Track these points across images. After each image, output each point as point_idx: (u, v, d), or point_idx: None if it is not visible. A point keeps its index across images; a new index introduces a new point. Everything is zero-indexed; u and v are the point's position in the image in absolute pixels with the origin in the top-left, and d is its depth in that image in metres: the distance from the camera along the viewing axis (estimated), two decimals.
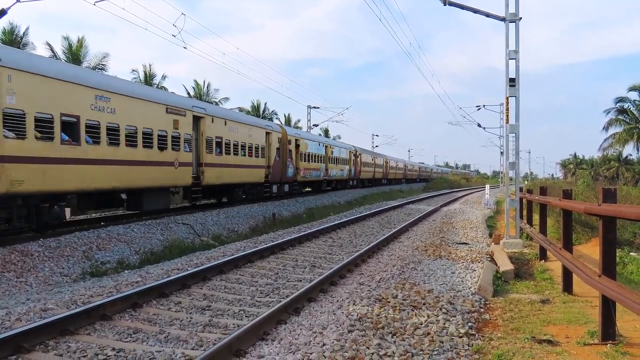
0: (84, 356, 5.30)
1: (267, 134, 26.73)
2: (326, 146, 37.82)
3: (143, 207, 16.54)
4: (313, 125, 50.39)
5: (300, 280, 9.10)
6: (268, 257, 11.32)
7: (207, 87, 49.67)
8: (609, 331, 5.62)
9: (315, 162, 34.68)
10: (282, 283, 8.88)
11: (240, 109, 53.41)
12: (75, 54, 35.19)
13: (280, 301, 7.11)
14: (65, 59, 34.64)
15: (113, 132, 14.44)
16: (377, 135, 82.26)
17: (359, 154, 48.50)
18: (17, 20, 33.70)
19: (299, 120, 65.73)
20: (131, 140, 15.36)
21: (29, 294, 9.01)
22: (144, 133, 15.81)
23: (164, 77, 44.05)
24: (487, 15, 14.20)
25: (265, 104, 59.82)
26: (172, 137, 17.46)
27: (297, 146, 30.97)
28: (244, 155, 23.50)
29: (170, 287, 8.02)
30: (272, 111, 60.67)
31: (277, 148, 27.84)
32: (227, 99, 51.71)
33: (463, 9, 14.52)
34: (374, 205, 29.96)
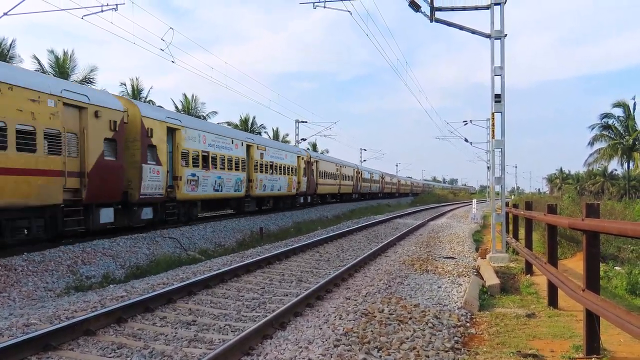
0: None
1: (298, 157, 33.73)
2: (340, 166, 44.68)
3: None
4: (301, 139, 50.51)
5: (287, 295, 9.07)
6: (255, 272, 11.28)
7: (195, 101, 49.66)
8: (593, 345, 5.65)
9: (330, 178, 41.57)
10: (269, 297, 8.85)
11: (229, 123, 53.39)
12: (62, 67, 35.10)
13: (267, 316, 7.08)
14: (53, 72, 34.52)
15: None
16: (365, 150, 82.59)
17: (361, 172, 53.91)
18: (4, 33, 33.38)
19: (287, 134, 65.87)
20: None
21: (12, 309, 8.89)
22: None
23: (149, 91, 44.09)
24: (473, 32, 14.36)
25: (254, 117, 59.80)
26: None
27: (317, 166, 37.53)
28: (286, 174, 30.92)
29: (156, 301, 7.96)
30: (261, 125, 60.69)
31: (304, 168, 34.19)
32: (215, 112, 51.79)
33: (449, 26, 14.68)
34: (361, 219, 29.98)
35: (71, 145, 13.50)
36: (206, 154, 20.71)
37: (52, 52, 35.79)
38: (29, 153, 12.01)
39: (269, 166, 28.18)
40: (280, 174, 29.95)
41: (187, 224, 19.80)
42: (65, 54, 35.92)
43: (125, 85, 43.26)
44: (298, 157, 33.48)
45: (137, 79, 43.83)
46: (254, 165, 25.95)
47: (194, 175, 19.61)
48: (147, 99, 42.70)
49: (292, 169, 31.95)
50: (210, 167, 20.98)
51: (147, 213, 17.17)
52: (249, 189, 25.39)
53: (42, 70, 34.08)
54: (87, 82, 35.48)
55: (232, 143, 23.48)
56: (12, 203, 11.67)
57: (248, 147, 25.46)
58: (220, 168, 22.06)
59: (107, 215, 15.07)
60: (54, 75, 32.47)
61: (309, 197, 36.48)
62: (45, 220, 12.96)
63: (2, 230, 11.70)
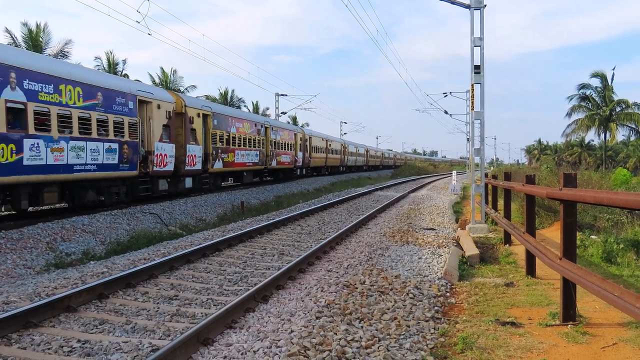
0: (49, 348, 5.22)
1: (295, 134, 37.95)
2: (328, 141, 48.64)
3: None
4: (281, 112, 50.22)
5: (269, 269, 9.11)
6: (236, 246, 11.29)
7: (173, 75, 48.97)
8: (569, 312, 5.78)
9: (321, 152, 46.04)
10: (251, 271, 8.87)
11: (207, 97, 52.82)
12: (35, 40, 34.28)
13: (249, 289, 7.11)
14: (26, 46, 33.71)
15: None
16: (345, 123, 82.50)
17: (347, 146, 57.26)
18: None
19: (267, 108, 65.43)
20: None
21: None
22: None
23: (124, 62, 43.30)
24: (452, 2, 14.29)
25: (233, 91, 59.25)
26: None
27: (310, 141, 41.87)
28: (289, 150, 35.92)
29: (137, 277, 7.94)
30: (240, 99, 60.22)
31: (299, 144, 38.77)
32: (194, 86, 51.17)
33: None
34: (342, 192, 30.08)
35: (137, 130, 17.26)
36: (230, 135, 25.27)
37: (25, 24, 34.91)
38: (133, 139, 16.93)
39: (278, 144, 33.48)
40: (286, 149, 35.49)
41: (213, 192, 23.79)
42: (38, 26, 35.06)
43: (100, 59, 42.48)
44: (295, 134, 38.26)
45: (111, 53, 43.01)
46: (271, 143, 31.59)
47: (221, 152, 24.19)
48: (123, 73, 41.97)
49: (292, 145, 37.05)
50: (234, 145, 25.76)
51: (188, 183, 21.47)
52: (265, 163, 30.74)
53: (15, 43, 33.26)
54: (62, 56, 34.72)
55: (253, 126, 28.69)
56: (110, 175, 16.10)
57: (265, 128, 31.02)
58: (243, 146, 26.94)
59: (163, 184, 19.53)
60: (26, 48, 31.72)
61: (304, 169, 41.33)
62: (127, 187, 17.50)
63: (103, 194, 16.38)
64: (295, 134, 38.26)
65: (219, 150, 23.93)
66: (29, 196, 13.23)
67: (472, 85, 13.90)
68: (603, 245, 9.85)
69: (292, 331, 5.50)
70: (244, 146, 27.09)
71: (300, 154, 39.08)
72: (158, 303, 6.93)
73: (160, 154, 18.58)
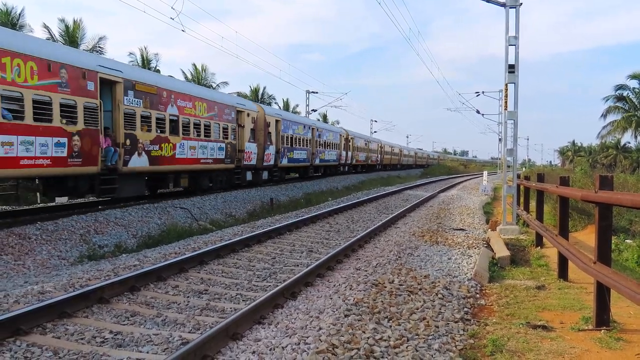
0: (82, 338, 5.33)
1: (340, 135, 43.23)
2: (368, 141, 53.94)
3: None
4: (312, 110, 50.28)
5: (298, 265, 9.14)
6: (265, 242, 11.35)
7: (204, 71, 49.37)
8: (603, 317, 5.66)
9: (361, 152, 50.70)
10: (280, 268, 8.92)
11: (239, 93, 53.17)
12: (72, 36, 34.94)
13: (277, 285, 7.15)
14: (63, 41, 34.39)
15: None
16: (375, 121, 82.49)
17: (383, 145, 61.62)
18: (13, 2, 33.25)
19: (297, 105, 65.55)
20: None
21: (27, 277, 9.04)
22: None
23: (157, 57, 43.86)
24: (488, 0, 14.11)
25: (264, 88, 59.49)
26: None
27: (352, 142, 46.64)
28: (334, 149, 41.06)
29: (168, 270, 8.05)
30: (271, 95, 60.36)
31: (343, 144, 43.83)
32: (226, 83, 51.45)
33: None
34: (371, 190, 29.99)
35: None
36: (292, 136, 30.84)
37: (62, 20, 35.58)
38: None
39: (324, 144, 38.21)
40: (332, 149, 40.50)
41: (278, 183, 28.56)
42: (75, 22, 35.71)
43: (134, 54, 43.08)
44: (340, 135, 43.02)
45: (145, 49, 43.59)
46: (316, 142, 35.93)
47: (288, 151, 30.06)
48: (156, 68, 42.51)
49: (337, 145, 41.94)
50: (295, 145, 31.39)
51: (265, 175, 27.04)
52: (311, 161, 35.19)
53: (53, 38, 33.96)
54: (96, 51, 35.31)
55: (305, 128, 33.79)
56: (220, 167, 21.63)
57: (312, 130, 35.45)
58: (299, 146, 32.20)
59: (249, 175, 24.87)
60: (63, 44, 32.36)
61: (347, 166, 46.43)
62: (227, 176, 22.80)
63: (213, 181, 21.64)
64: (340, 134, 43.23)
65: (285, 149, 29.66)
66: (173, 180, 18.88)
67: (506, 85, 13.71)
68: (638, 250, 9.63)
69: (320, 328, 5.51)
70: (299, 145, 32.33)
71: (344, 153, 44.13)
72: (188, 297, 7.02)
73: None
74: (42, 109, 12.19)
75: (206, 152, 20.11)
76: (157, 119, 16.98)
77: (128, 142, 15.46)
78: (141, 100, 16.05)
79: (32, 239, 11.18)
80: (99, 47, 36.17)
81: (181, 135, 18.26)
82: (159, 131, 17.03)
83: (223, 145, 21.48)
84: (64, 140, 12.88)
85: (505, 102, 13.90)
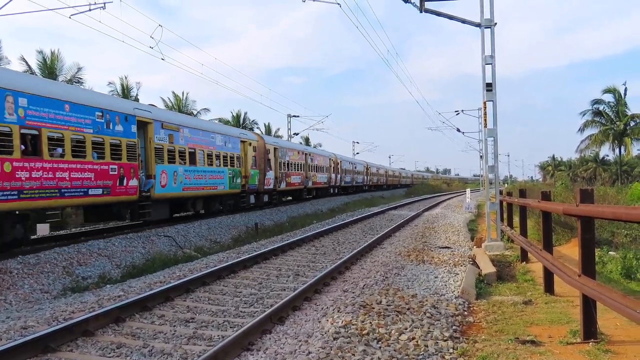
0: None
1: (330, 159, 45.41)
2: (354, 164, 56.12)
3: None
4: (294, 134, 50.42)
5: (285, 289, 9.08)
6: (251, 267, 11.28)
7: (185, 99, 49.34)
8: (590, 330, 5.69)
9: (349, 174, 52.85)
10: (266, 293, 8.86)
11: (220, 119, 53.18)
12: (50, 68, 34.80)
13: (265, 311, 7.09)
14: (40, 72, 34.23)
15: None
16: (357, 142, 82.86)
17: (369, 167, 63.65)
18: None
19: (278, 129, 65.73)
20: None
21: (9, 312, 8.86)
22: None
23: (138, 86, 43.72)
24: (463, 21, 14.36)
25: (246, 113, 59.57)
26: None
27: (340, 165, 49.15)
28: (324, 172, 43.07)
29: (153, 300, 7.96)
30: (253, 120, 60.43)
31: (333, 167, 45.92)
32: (207, 110, 51.53)
33: (439, 16, 14.67)
34: (356, 212, 30.02)
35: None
36: (288, 162, 32.99)
37: (40, 52, 35.43)
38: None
39: (316, 167, 40.26)
40: (323, 172, 42.82)
41: (262, 208, 28.61)
42: (53, 54, 35.56)
43: (114, 84, 42.94)
44: (330, 159, 45.61)
45: (126, 78, 43.42)
46: (308, 167, 37.91)
47: (285, 175, 32.20)
48: (136, 97, 42.40)
49: (327, 168, 44.32)
50: (290, 170, 33.52)
51: (265, 198, 29.28)
52: (305, 184, 37.24)
53: (30, 70, 33.78)
54: (75, 82, 35.18)
55: (299, 154, 36.17)
56: (230, 192, 24.11)
57: (305, 155, 37.86)
58: (294, 170, 34.44)
59: (252, 199, 27.06)
60: (42, 76, 32.16)
61: (336, 188, 48.45)
62: (234, 200, 25.07)
63: (223, 205, 23.82)
64: (329, 158, 45.78)
65: (283, 174, 31.83)
66: (191, 204, 21.03)
67: (484, 103, 13.90)
68: (622, 261, 9.71)
69: (309, 352, 5.46)
70: (294, 170, 34.57)
71: (333, 175, 46.36)
72: (175, 326, 6.93)
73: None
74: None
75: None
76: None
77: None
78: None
79: (14, 273, 10.98)
80: (78, 77, 36.04)
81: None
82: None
83: (232, 172, 24.06)
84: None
85: (485, 120, 14.07)
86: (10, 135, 11.62)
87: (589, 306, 5.62)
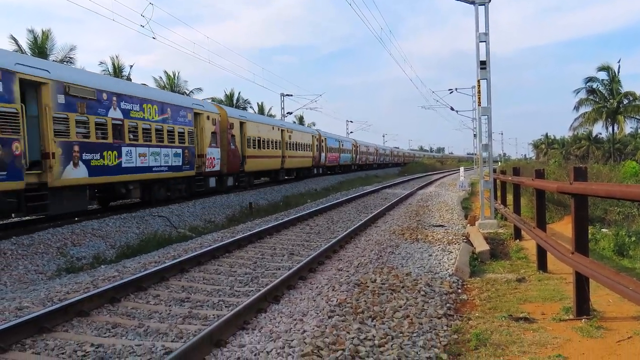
0: (62, 353, 5.24)
1: (312, 136, 42.31)
2: (340, 141, 53.24)
3: None
4: (287, 113, 50.25)
5: (279, 269, 9.11)
6: (246, 247, 11.29)
7: (177, 78, 49.00)
8: (583, 306, 5.74)
9: (334, 152, 50.20)
10: (261, 272, 8.88)
11: (214, 99, 52.90)
12: (40, 47, 34.43)
13: (260, 290, 7.11)
14: (31, 52, 33.86)
15: None
16: (351, 122, 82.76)
17: (358, 145, 61.63)
18: None
19: (271, 108, 65.62)
20: None
21: (4, 292, 8.85)
22: None
23: (131, 67, 43.37)
24: None
25: (239, 93, 59.34)
26: None
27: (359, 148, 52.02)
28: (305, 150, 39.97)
29: (148, 280, 7.96)
30: (245, 100, 60.25)
31: (315, 144, 42.56)
32: (200, 89, 51.29)
33: None
34: (350, 191, 30.04)
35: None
36: (259, 138, 29.27)
37: (31, 31, 35.05)
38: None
39: (295, 145, 37.07)
40: (304, 150, 39.71)
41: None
42: (44, 33, 35.17)
43: (105, 64, 42.57)
44: (312, 136, 42.79)
45: (117, 57, 43.05)
46: (286, 144, 34.53)
47: (255, 154, 28.59)
48: (128, 77, 42.09)
49: (309, 146, 41.24)
50: (262, 148, 29.91)
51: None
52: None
53: (21, 50, 33.41)
54: (67, 62, 34.85)
55: (274, 130, 32.53)
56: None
57: (282, 131, 34.22)
58: (267, 148, 30.82)
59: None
60: (32, 55, 31.80)
61: (320, 168, 46.00)
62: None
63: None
64: (312, 135, 42.26)
65: (254, 153, 28.21)
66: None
67: (478, 81, 13.84)
68: (615, 239, 9.79)
69: (304, 331, 5.49)
70: (267, 148, 30.82)
71: (317, 154, 43.05)
72: (170, 305, 6.95)
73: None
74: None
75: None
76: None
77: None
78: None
79: (8, 254, 10.97)
80: (69, 57, 35.69)
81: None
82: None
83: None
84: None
85: (479, 98, 14.03)
86: None
87: (581, 283, 5.66)
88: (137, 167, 17.20)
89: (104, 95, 15.73)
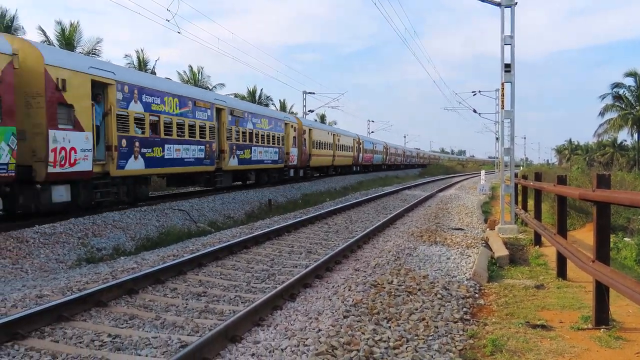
0: (80, 342, 5.31)
1: (353, 139, 48.45)
2: (373, 143, 59.46)
3: None
4: (309, 110, 50.27)
5: (296, 266, 9.13)
6: (264, 243, 11.34)
7: (200, 73, 49.25)
8: (602, 316, 5.66)
9: (369, 153, 55.73)
10: (278, 269, 8.91)
11: (236, 95, 53.15)
12: (68, 39, 34.83)
13: (276, 287, 7.14)
14: (58, 44, 34.28)
15: None
16: (372, 121, 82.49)
17: (388, 147, 66.83)
18: (6, 4, 33.22)
19: (293, 105, 65.61)
20: None
21: (25, 280, 9.01)
22: None
23: (156, 61, 43.70)
24: (483, 0, 14.12)
25: (262, 89, 59.59)
26: None
27: (361, 144, 52.25)
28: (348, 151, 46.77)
29: (166, 273, 8.03)
30: (268, 97, 60.43)
31: (354, 146, 48.73)
32: (222, 85, 51.53)
33: None
34: (370, 191, 29.99)
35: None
36: (320, 141, 37.30)
37: (59, 23, 35.42)
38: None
39: (342, 146, 43.82)
40: (348, 151, 46.40)
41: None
42: (72, 25, 35.54)
43: (130, 57, 42.94)
44: (353, 139, 48.37)
45: (142, 51, 43.38)
46: (335, 146, 41.73)
47: (317, 154, 36.84)
48: (153, 70, 42.41)
49: (351, 147, 47.46)
50: (321, 149, 37.56)
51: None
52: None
53: (48, 41, 33.85)
54: (93, 54, 35.22)
55: (329, 134, 40.32)
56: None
57: (334, 135, 41.61)
58: (324, 149, 38.35)
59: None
60: (59, 47, 32.22)
61: (358, 166, 51.98)
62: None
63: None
64: (353, 139, 48.59)
65: (317, 152, 36.11)
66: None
67: (502, 84, 13.71)
68: (637, 248, 9.65)
69: (319, 330, 5.50)
70: (324, 149, 38.39)
71: (356, 154, 49.18)
72: (187, 299, 7.01)
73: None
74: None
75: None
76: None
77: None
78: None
79: (30, 242, 11.14)
80: (96, 49, 36.06)
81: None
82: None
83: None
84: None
85: (502, 102, 13.91)
86: None
87: (601, 292, 5.58)
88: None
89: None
